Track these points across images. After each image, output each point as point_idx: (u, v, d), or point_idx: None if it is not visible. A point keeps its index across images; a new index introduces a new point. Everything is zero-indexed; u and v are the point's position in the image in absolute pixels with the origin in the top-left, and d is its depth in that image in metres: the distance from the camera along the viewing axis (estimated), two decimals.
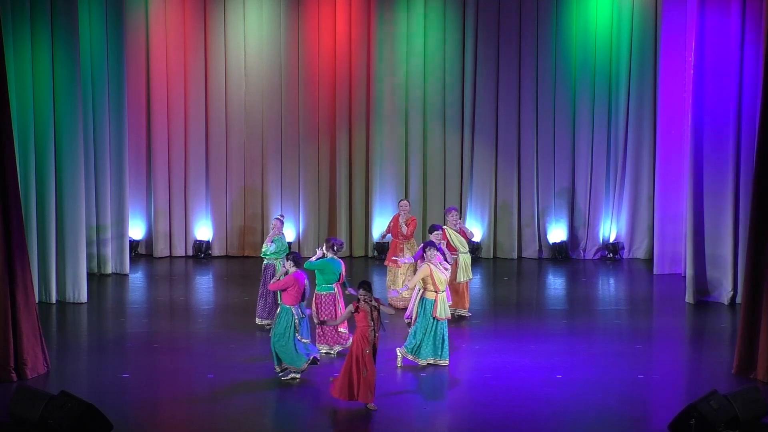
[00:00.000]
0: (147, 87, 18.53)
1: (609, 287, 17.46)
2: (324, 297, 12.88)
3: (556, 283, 17.61)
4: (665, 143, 17.66)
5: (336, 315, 12.75)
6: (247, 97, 18.79)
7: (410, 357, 12.30)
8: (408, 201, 15.58)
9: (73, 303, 15.24)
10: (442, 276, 12.34)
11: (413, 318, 12.48)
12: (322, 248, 12.99)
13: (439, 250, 12.81)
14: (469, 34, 18.65)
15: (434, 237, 13.42)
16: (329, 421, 10.78)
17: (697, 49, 15.21)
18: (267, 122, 18.84)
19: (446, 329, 12.35)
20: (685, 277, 16.24)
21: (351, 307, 10.94)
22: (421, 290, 12.37)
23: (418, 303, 12.37)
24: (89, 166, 16.19)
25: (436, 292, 12.28)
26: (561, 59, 18.59)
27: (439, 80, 18.81)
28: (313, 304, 12.85)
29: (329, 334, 12.87)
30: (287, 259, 12.14)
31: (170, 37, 18.46)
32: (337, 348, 12.90)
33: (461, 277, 14.33)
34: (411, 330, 12.41)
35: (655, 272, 17.53)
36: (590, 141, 18.73)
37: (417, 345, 12.27)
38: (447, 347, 12.30)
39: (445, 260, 12.93)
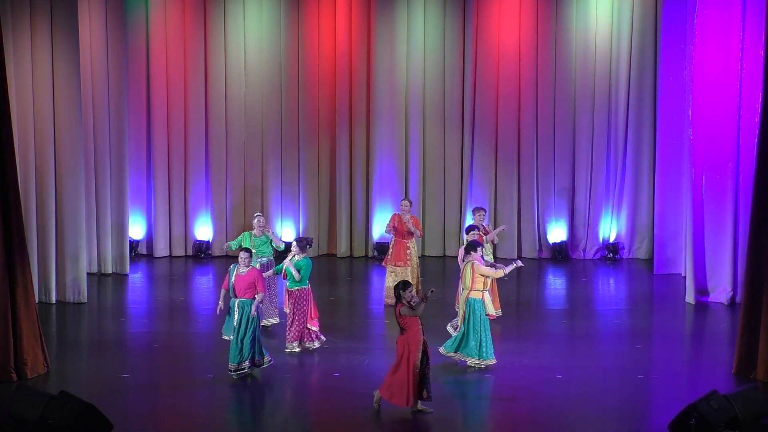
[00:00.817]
0: (147, 87, 18.53)
1: (609, 287, 17.46)
2: (298, 292, 12.88)
3: (556, 283, 17.61)
4: (665, 143, 17.65)
5: (309, 309, 12.84)
6: (247, 97, 18.79)
7: (458, 356, 12.33)
8: (409, 201, 15.58)
9: (73, 303, 15.24)
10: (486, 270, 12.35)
11: (460, 321, 12.45)
12: (296, 252, 12.95)
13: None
14: (469, 34, 18.65)
15: (471, 237, 13.43)
16: (324, 421, 10.78)
17: (697, 48, 15.21)
18: (267, 122, 18.84)
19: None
20: (685, 277, 16.25)
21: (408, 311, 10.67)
22: (467, 291, 12.36)
23: (465, 304, 12.35)
24: (89, 166, 16.19)
25: (481, 290, 12.25)
26: (561, 59, 18.59)
27: (439, 80, 18.82)
28: (288, 301, 12.88)
29: (297, 330, 12.86)
30: (249, 253, 12.21)
31: (170, 37, 18.46)
32: (313, 344, 12.90)
33: None
34: (458, 333, 12.41)
35: (655, 272, 17.53)
36: (590, 141, 18.73)
37: (458, 341, 12.28)
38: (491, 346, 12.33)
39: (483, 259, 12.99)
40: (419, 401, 10.69)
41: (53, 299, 15.13)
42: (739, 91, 14.74)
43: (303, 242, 13.04)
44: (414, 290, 10.89)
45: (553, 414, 10.84)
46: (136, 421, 10.55)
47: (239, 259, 12.09)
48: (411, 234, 15.18)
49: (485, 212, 14.86)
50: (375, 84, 18.71)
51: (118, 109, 17.17)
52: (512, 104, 18.73)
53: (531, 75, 18.62)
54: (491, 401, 11.42)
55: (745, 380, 11.63)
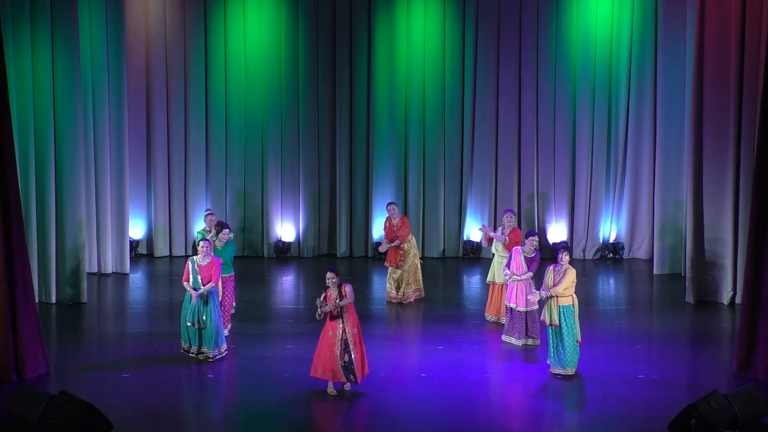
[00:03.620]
0: (147, 87, 18.53)
1: (609, 287, 17.46)
2: (229, 279, 13.41)
3: None
4: (665, 143, 17.66)
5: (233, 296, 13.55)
6: (247, 97, 18.79)
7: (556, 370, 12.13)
8: (394, 204, 15.59)
9: (73, 303, 15.25)
10: (549, 280, 12.05)
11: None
12: (227, 233, 13.35)
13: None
14: (470, 33, 18.66)
15: (530, 243, 13.31)
16: (325, 420, 10.79)
17: (697, 48, 15.21)
18: (267, 122, 18.84)
19: (566, 335, 11.89)
20: (685, 277, 16.25)
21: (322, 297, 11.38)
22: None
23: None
24: (89, 166, 16.20)
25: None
26: (561, 59, 18.60)
27: (439, 80, 18.82)
28: (221, 287, 13.14)
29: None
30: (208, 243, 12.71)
31: (170, 37, 18.46)
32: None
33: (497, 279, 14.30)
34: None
35: (655, 272, 17.53)
36: (590, 141, 18.73)
37: (552, 353, 12.06)
38: (567, 354, 11.95)
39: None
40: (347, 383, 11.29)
41: (53, 299, 15.13)
42: (739, 90, 14.74)
43: (222, 225, 13.52)
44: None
45: (553, 414, 10.84)
46: (136, 421, 10.55)
47: (199, 249, 12.47)
48: (399, 238, 15.25)
49: (513, 215, 14.68)
50: (375, 84, 18.71)
51: (118, 109, 17.17)
52: (512, 104, 18.73)
53: (531, 75, 18.62)
54: (491, 401, 11.40)
55: (745, 380, 11.63)
